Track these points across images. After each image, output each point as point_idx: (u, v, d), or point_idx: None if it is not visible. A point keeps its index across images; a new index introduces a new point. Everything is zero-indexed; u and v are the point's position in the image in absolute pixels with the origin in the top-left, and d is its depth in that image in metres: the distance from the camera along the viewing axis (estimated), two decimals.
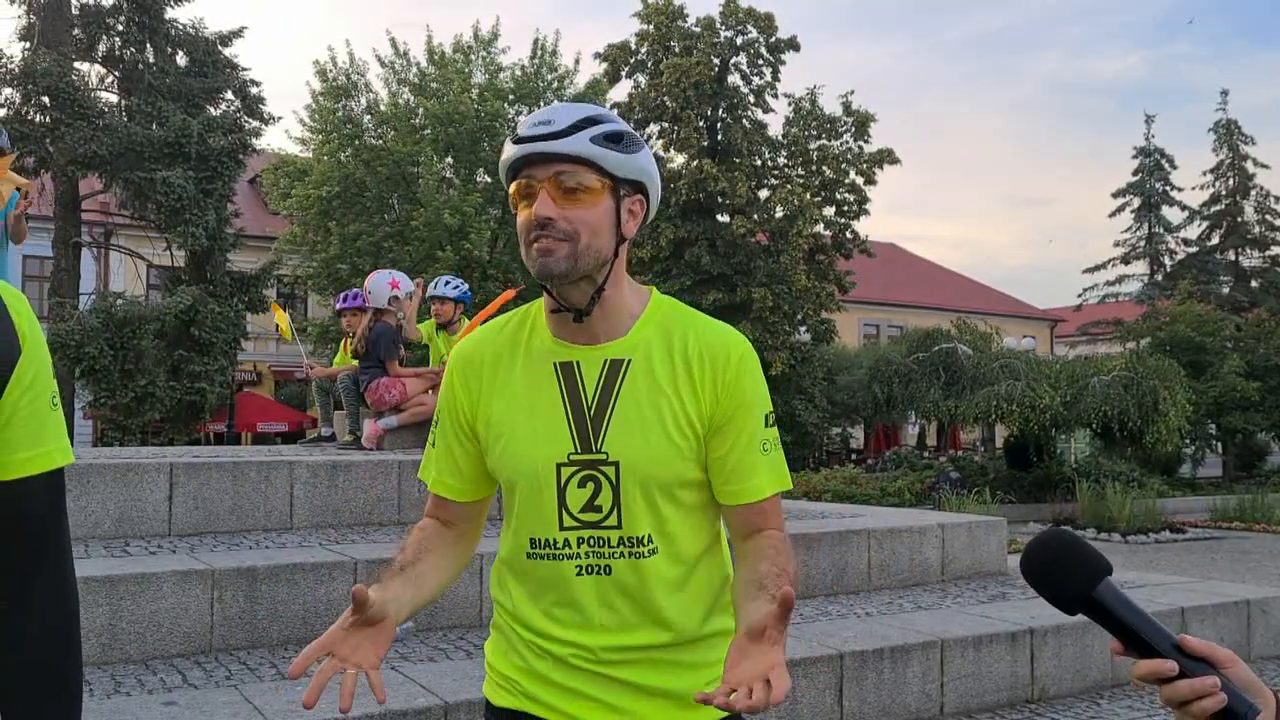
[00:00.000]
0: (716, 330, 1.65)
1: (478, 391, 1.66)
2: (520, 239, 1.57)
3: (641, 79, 28.52)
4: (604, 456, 1.57)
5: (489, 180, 25.80)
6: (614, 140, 1.55)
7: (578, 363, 1.61)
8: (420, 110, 25.17)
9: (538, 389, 1.61)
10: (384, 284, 7.74)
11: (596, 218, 1.54)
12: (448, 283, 8.14)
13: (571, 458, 1.58)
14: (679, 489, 1.60)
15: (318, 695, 1.34)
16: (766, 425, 1.62)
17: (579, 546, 1.58)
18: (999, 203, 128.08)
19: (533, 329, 1.66)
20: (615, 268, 1.59)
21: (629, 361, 1.60)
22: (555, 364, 1.61)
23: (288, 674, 1.37)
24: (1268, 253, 39.05)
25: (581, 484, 1.58)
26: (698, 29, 27.87)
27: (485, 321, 7.33)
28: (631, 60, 28.60)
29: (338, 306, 8.37)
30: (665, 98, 27.32)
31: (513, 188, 1.57)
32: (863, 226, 29.51)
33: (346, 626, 1.42)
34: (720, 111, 28.12)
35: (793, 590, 1.35)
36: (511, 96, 25.77)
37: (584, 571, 1.58)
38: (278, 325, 9.70)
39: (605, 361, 1.60)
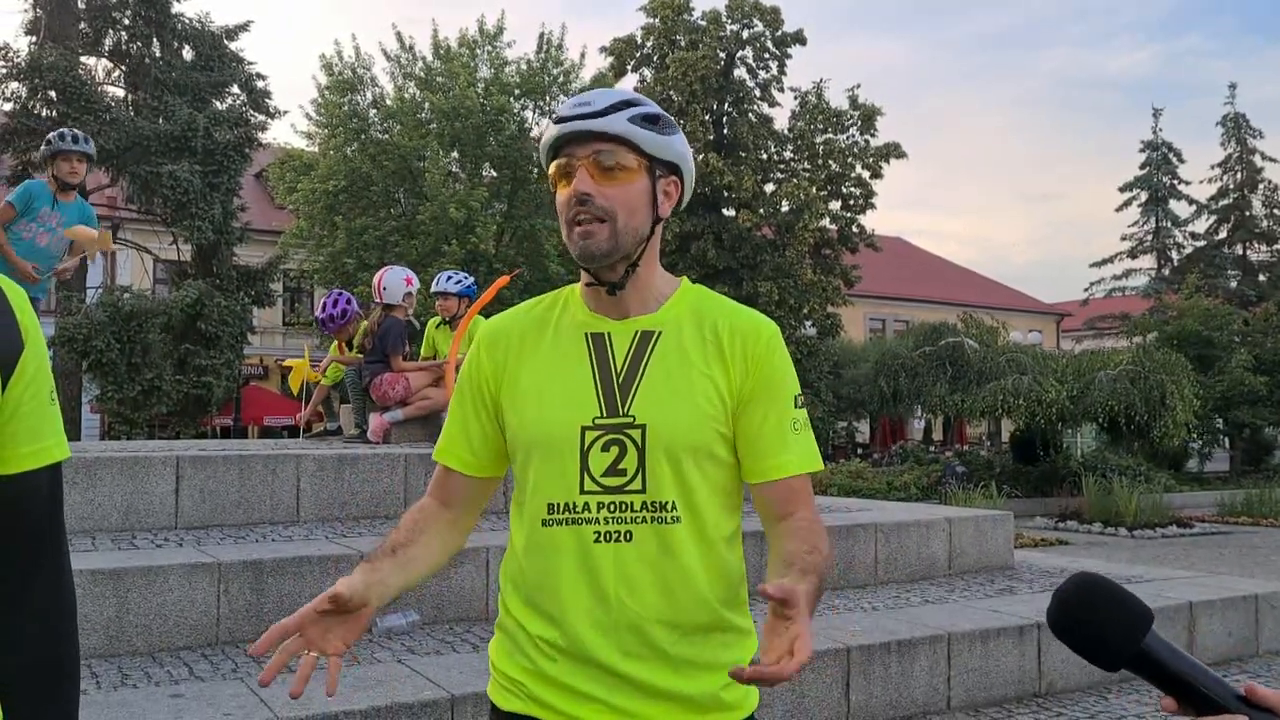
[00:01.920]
0: (747, 312, 1.69)
1: (503, 362, 1.67)
2: (560, 218, 1.62)
3: (647, 73, 28.50)
4: (631, 419, 1.58)
5: (495, 174, 25.79)
6: (650, 122, 1.60)
7: (608, 334, 1.64)
8: (426, 104, 25.15)
9: (566, 358, 1.64)
10: (399, 280, 7.75)
11: (633, 196, 1.59)
12: (449, 278, 7.95)
13: (596, 421, 1.58)
14: (705, 459, 1.59)
15: (273, 676, 1.40)
16: (796, 406, 1.64)
17: (599, 511, 1.57)
18: (1008, 198, 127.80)
19: (564, 308, 1.70)
20: (650, 245, 1.64)
21: (660, 334, 1.63)
22: (586, 334, 1.65)
23: (249, 651, 1.40)
24: (1275, 247, 38.95)
25: (605, 448, 1.58)
26: (704, 23, 27.83)
27: (484, 308, 7.23)
28: (637, 54, 28.58)
29: (325, 330, 8.34)
30: (671, 92, 27.28)
31: (553, 168, 1.62)
32: (870, 220, 29.50)
33: (320, 610, 1.45)
34: (726, 105, 28.09)
35: (815, 577, 1.43)
36: (517, 91, 25.74)
37: (603, 538, 1.56)
38: (289, 372, 9.66)
39: (636, 333, 1.63)
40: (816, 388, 26.75)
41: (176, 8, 22.39)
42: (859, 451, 30.39)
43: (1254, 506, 17.70)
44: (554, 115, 1.63)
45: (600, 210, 1.56)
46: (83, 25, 21.85)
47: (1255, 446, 28.73)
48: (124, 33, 22.35)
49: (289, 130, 64.00)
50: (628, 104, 1.60)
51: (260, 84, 23.05)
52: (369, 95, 26.04)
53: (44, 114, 20.56)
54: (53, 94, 20.32)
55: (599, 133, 1.57)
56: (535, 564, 1.61)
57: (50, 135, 6.33)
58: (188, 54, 22.67)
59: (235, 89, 22.95)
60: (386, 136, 25.26)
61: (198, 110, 20.89)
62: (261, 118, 22.99)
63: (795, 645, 1.27)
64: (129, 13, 22.00)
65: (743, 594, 1.67)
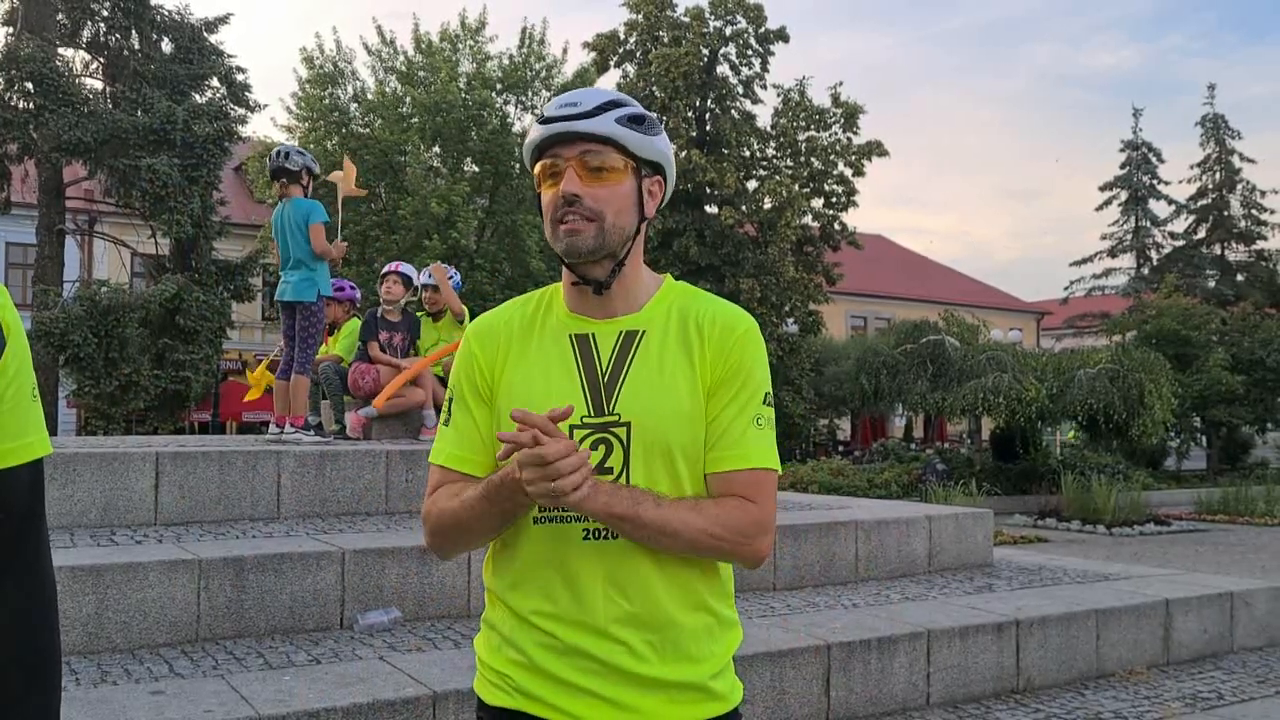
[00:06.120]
0: (728, 306, 1.71)
1: (492, 358, 1.68)
2: (546, 217, 1.62)
3: (630, 69, 28.48)
4: (616, 418, 1.60)
5: (476, 169, 25.72)
6: (636, 122, 1.62)
7: (593, 334, 1.65)
8: (407, 99, 25.05)
9: (552, 360, 1.65)
10: (409, 275, 8.13)
11: (620, 197, 1.61)
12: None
13: (585, 420, 1.60)
14: (689, 455, 1.61)
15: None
16: (764, 403, 1.64)
17: None
18: (991, 195, 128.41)
19: (549, 307, 1.71)
20: (635, 245, 1.65)
21: (643, 333, 1.65)
22: (571, 336, 1.66)
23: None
24: (1253, 247, 39.29)
25: (593, 446, 1.59)
26: (687, 19, 27.85)
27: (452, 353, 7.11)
28: (620, 50, 28.56)
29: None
30: (654, 88, 27.28)
31: (538, 168, 1.63)
32: (853, 218, 29.58)
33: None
34: (709, 102, 28.12)
35: (647, 503, 1.53)
36: (499, 86, 25.66)
37: (590, 535, 1.58)
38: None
39: (620, 333, 1.65)
40: (798, 385, 26.82)
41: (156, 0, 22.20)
42: (840, 449, 30.51)
43: (1230, 504, 17.85)
44: (539, 115, 1.64)
45: (588, 210, 1.57)
46: (60, 16, 21.62)
47: (1232, 445, 28.98)
48: (102, 24, 22.12)
49: (269, 124, 63.68)
50: (614, 104, 1.60)
51: (240, 77, 22.89)
52: (350, 89, 25.91)
53: (20, 106, 20.34)
54: (29, 86, 20.09)
55: (587, 133, 1.58)
56: (524, 561, 1.63)
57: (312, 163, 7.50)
58: (167, 46, 22.47)
59: (215, 82, 22.75)
60: (367, 130, 25.14)
61: (176, 103, 20.70)
62: (241, 111, 22.81)
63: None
64: (108, 4, 21.78)
65: (729, 586, 1.69)
